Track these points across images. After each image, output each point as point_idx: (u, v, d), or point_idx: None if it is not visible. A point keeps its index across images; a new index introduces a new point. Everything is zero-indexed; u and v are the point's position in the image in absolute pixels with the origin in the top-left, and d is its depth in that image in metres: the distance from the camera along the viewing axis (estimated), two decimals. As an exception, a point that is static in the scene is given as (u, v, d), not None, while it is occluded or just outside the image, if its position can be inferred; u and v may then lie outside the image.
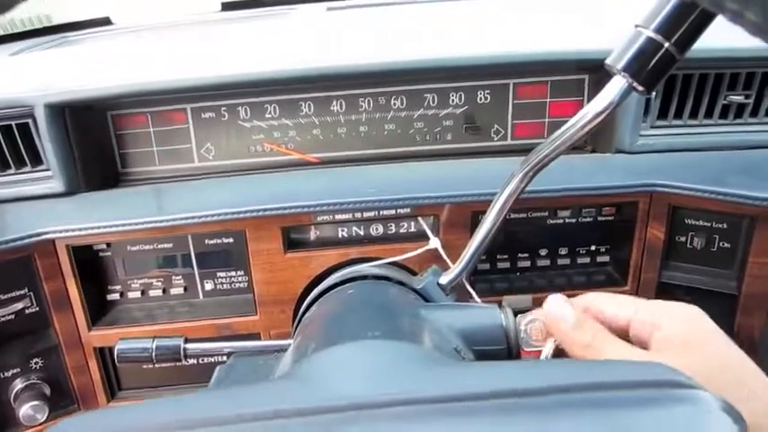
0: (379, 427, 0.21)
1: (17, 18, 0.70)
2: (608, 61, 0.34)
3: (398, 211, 0.51)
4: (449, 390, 0.23)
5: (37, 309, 0.51)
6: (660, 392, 0.22)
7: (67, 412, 0.53)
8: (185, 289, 0.55)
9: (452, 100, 0.57)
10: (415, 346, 0.31)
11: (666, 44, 0.33)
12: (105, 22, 0.76)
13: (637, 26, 0.34)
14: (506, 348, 0.37)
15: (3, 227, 0.48)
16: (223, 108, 0.56)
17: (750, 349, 0.51)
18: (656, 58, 0.33)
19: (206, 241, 0.53)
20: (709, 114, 0.54)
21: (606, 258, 0.56)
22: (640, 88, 0.34)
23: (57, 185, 0.51)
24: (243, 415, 0.23)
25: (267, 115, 0.57)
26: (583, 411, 0.21)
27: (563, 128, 0.39)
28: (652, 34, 0.33)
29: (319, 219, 0.51)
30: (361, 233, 0.53)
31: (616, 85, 0.35)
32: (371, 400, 0.22)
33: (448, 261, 0.48)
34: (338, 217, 0.51)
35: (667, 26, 0.32)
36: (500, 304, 0.39)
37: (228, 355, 0.43)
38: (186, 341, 0.42)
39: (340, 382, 0.26)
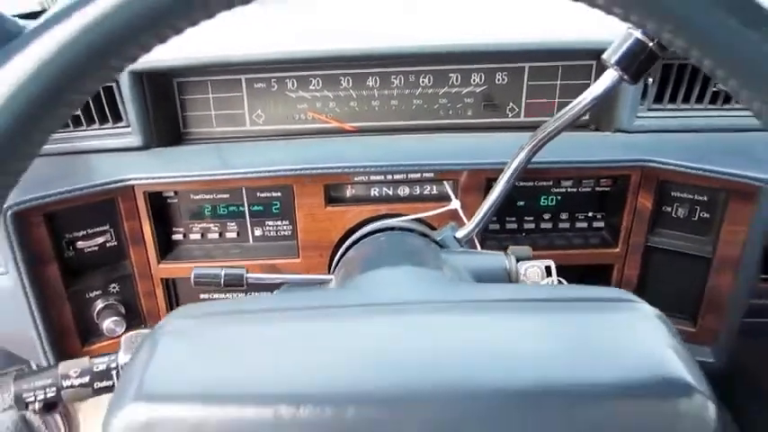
0: (416, 316, 0.30)
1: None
2: (603, 56, 0.42)
3: (423, 175, 0.59)
4: (464, 296, 0.32)
5: (116, 243, 0.61)
6: (611, 304, 0.31)
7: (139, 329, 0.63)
8: (238, 234, 0.64)
9: (473, 80, 0.64)
10: (438, 272, 0.40)
11: (650, 44, 0.41)
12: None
13: (628, 28, 0.42)
14: None
15: (91, 174, 0.58)
16: (273, 80, 0.65)
17: (718, 305, 0.59)
18: (642, 55, 0.41)
19: (257, 194, 0.62)
20: (699, 100, 0.61)
21: (601, 224, 0.64)
22: (628, 79, 0.42)
23: (135, 140, 0.60)
24: (311, 305, 0.32)
25: (311, 87, 0.65)
26: (556, 311, 0.30)
27: (564, 109, 0.47)
28: (639, 35, 0.41)
29: (356, 179, 0.59)
30: (390, 193, 0.62)
31: (609, 77, 0.43)
32: (409, 299, 0.32)
33: (465, 219, 0.57)
34: (372, 178, 0.59)
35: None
36: (506, 252, 0.48)
37: (279, 285, 0.52)
38: (247, 272, 0.51)
39: (382, 289, 0.35)
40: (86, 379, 0.41)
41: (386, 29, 0.65)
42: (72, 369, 0.41)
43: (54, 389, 0.40)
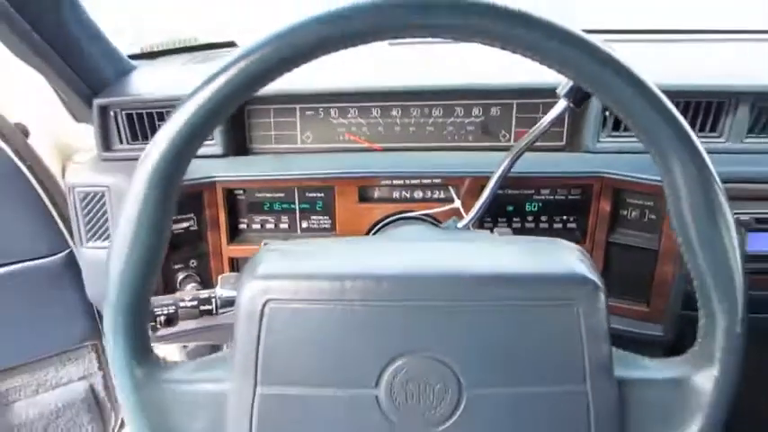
0: (421, 243, 0.48)
1: (176, 39, 1.00)
2: (557, 90, 0.61)
3: (433, 180, 0.78)
4: (452, 236, 0.50)
5: (197, 228, 0.80)
6: (546, 240, 0.48)
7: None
8: (289, 226, 0.82)
9: (474, 112, 0.83)
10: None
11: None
12: (231, 44, 1.06)
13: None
14: None
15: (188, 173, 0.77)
16: (320, 109, 0.84)
17: (664, 289, 0.76)
18: (580, 89, 0.59)
19: (306, 194, 0.81)
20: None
21: (574, 225, 0.81)
22: (573, 106, 0.60)
23: (217, 150, 0.80)
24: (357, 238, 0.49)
25: (349, 116, 0.84)
26: (510, 242, 0.48)
27: (530, 130, 0.66)
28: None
29: (382, 183, 0.78)
30: (408, 195, 0.80)
31: (560, 105, 0.62)
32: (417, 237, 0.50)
33: (464, 214, 0.75)
34: (394, 182, 0.78)
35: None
36: (491, 230, 0.66)
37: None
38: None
39: (404, 233, 0.53)
40: (195, 303, 0.58)
41: (406, 72, 0.85)
42: (185, 295, 0.59)
43: (173, 307, 0.58)
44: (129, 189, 0.40)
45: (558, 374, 0.42)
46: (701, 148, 0.40)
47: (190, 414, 0.43)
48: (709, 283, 0.42)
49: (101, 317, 1.08)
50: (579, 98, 0.60)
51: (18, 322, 1.03)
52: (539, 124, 0.65)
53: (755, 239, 0.76)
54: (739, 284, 0.42)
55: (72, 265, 0.99)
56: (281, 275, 0.43)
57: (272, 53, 0.37)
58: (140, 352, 0.43)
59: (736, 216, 0.75)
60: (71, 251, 1.00)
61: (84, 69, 0.77)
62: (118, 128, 0.80)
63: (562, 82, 0.61)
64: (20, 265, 0.98)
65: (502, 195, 0.78)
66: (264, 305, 0.42)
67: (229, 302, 0.61)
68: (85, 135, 0.89)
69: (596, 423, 0.42)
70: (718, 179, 0.40)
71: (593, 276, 0.43)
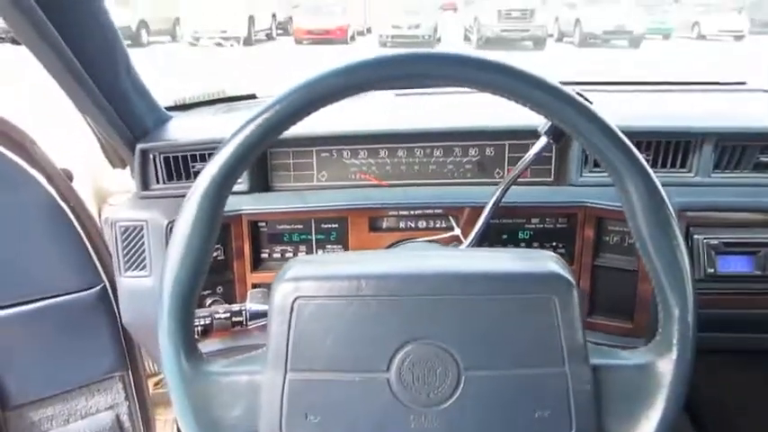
0: (422, 252, 0.57)
1: (206, 92, 1.13)
2: (538, 129, 0.71)
3: (435, 210, 0.87)
4: (448, 251, 0.59)
5: (224, 258, 0.89)
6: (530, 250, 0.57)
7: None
8: (306, 253, 0.91)
9: (470, 152, 0.94)
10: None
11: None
12: (252, 96, 1.18)
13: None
14: None
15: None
16: (334, 150, 0.95)
17: (646, 306, 0.83)
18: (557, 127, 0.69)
19: (322, 225, 0.90)
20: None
21: (563, 251, 0.90)
22: (552, 142, 0.70)
23: (244, 187, 0.90)
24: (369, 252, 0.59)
25: (360, 156, 0.95)
26: (501, 252, 0.57)
27: (518, 164, 0.76)
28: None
29: (390, 213, 0.88)
30: (413, 225, 0.89)
31: (541, 141, 0.72)
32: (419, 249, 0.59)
33: (463, 240, 0.84)
34: (401, 213, 0.88)
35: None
36: None
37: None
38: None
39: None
40: (228, 315, 0.67)
41: (410, 117, 0.96)
42: (219, 307, 0.67)
43: (209, 318, 0.67)
44: (183, 208, 0.49)
45: (541, 358, 0.50)
46: (651, 171, 0.49)
47: (229, 402, 0.51)
48: (663, 282, 0.50)
49: (129, 349, 1.16)
50: (557, 135, 0.70)
51: (53, 354, 1.11)
52: (524, 158, 0.75)
53: (725, 262, 0.85)
54: (688, 281, 0.50)
55: (104, 298, 1.08)
56: (307, 277, 0.51)
57: (295, 100, 0.47)
58: (187, 348, 0.51)
59: (706, 240, 0.85)
60: (104, 285, 1.09)
61: (130, 118, 0.88)
62: (156, 169, 0.91)
63: (542, 122, 0.71)
64: (58, 299, 1.07)
65: (497, 224, 0.87)
66: (294, 302, 0.50)
67: (258, 315, 0.70)
68: (120, 180, 0.99)
69: (575, 400, 0.49)
70: (665, 196, 0.50)
71: (567, 275, 0.51)
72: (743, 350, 1.00)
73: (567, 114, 0.48)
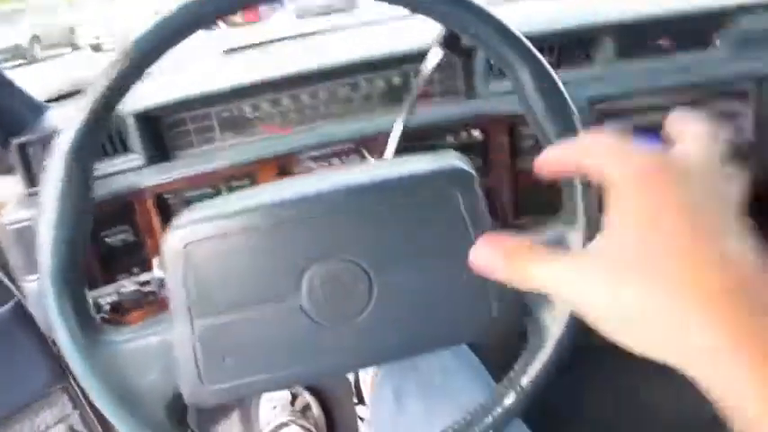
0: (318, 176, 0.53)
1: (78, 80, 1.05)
2: (432, 40, 0.68)
3: (347, 146, 0.84)
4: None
5: (135, 238, 0.84)
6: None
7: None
8: (222, 218, 0.87)
9: (377, 84, 0.90)
10: None
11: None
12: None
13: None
14: None
15: (115, 187, 0.81)
16: (233, 107, 0.90)
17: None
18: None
19: (232, 183, 0.85)
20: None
21: (481, 163, 0.89)
22: (449, 51, 0.68)
23: (140, 161, 0.84)
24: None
25: (262, 109, 0.90)
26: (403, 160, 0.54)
27: (416, 80, 0.73)
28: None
29: (300, 158, 0.84)
30: (326, 165, 0.86)
31: (435, 53, 0.69)
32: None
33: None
34: (311, 155, 0.84)
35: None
36: None
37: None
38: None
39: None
40: (136, 287, 0.63)
41: (300, 60, 0.92)
42: (126, 281, 0.63)
43: (116, 295, 0.62)
44: (47, 170, 0.44)
45: (451, 252, 0.48)
46: (540, 56, 0.47)
47: (142, 368, 0.47)
48: None
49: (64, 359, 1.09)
50: (449, 43, 0.67)
51: (-19, 382, 1.03)
52: (422, 73, 0.72)
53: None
54: None
55: (21, 311, 1.01)
56: (195, 221, 0.47)
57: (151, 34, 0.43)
58: (82, 319, 0.46)
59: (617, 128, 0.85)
60: (18, 301, 1.01)
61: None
62: (39, 163, 0.84)
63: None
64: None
65: (411, 148, 0.85)
66: (185, 248, 0.46)
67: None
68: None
69: (492, 287, 0.48)
70: (555, 75, 0.48)
71: (467, 168, 0.49)
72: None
73: (456, 14, 0.45)
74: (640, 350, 0.29)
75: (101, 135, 0.46)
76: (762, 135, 0.88)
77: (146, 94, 0.86)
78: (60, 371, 1.10)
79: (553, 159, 0.39)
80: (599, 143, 0.33)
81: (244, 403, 1.31)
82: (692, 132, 0.35)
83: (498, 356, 0.54)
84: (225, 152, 0.87)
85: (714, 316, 0.26)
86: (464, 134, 0.87)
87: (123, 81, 0.44)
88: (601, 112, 0.86)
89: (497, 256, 0.36)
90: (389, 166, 0.52)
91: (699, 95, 0.87)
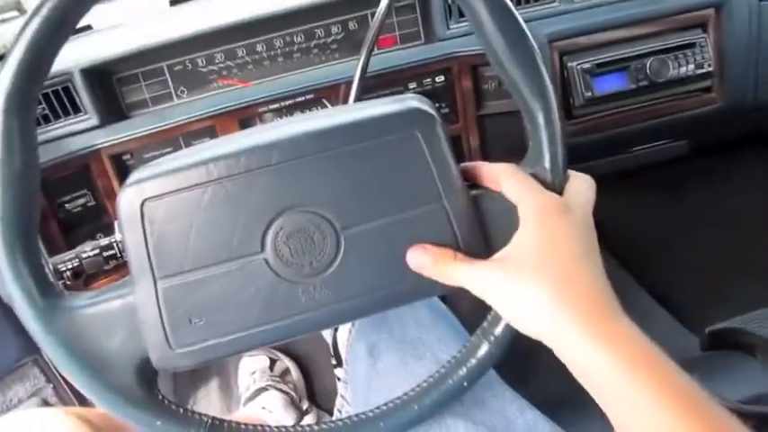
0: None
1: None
2: None
3: (307, 96, 0.82)
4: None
5: (95, 202, 0.81)
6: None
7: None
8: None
9: (333, 30, 0.88)
10: None
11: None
12: (88, 27, 1.05)
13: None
14: None
15: (67, 149, 0.78)
16: (187, 61, 0.86)
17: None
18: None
19: (192, 141, 0.83)
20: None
21: (446, 109, 0.88)
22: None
23: (93, 122, 0.81)
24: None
25: (216, 61, 0.87)
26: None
27: (370, 28, 0.71)
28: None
29: (260, 110, 0.82)
30: (288, 116, 0.84)
31: None
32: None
33: None
34: (271, 107, 0.82)
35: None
36: None
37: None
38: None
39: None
40: (97, 251, 0.61)
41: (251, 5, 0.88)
42: (86, 246, 0.61)
43: (77, 260, 0.60)
44: None
45: (418, 198, 0.47)
46: None
47: (105, 332, 0.45)
48: (523, 92, 0.48)
49: None
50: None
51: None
52: (375, 20, 0.70)
53: (601, 83, 0.86)
54: (548, 88, 0.48)
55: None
56: (150, 177, 0.45)
57: None
58: (39, 283, 0.44)
59: (579, 65, 0.85)
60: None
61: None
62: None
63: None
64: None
65: (374, 98, 0.83)
66: (142, 206, 0.44)
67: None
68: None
69: (459, 230, 0.48)
70: (514, 10, 0.46)
71: (428, 109, 0.48)
72: (622, 172, 1.05)
73: None
74: (524, 328, 0.43)
75: (35, 87, 0.42)
76: (722, 64, 0.89)
77: (91, 49, 0.82)
78: (30, 343, 1.08)
79: (478, 174, 0.49)
80: (516, 179, 0.46)
81: (222, 370, 1.30)
82: (575, 184, 0.47)
83: (472, 308, 0.54)
84: (182, 107, 0.84)
85: (575, 307, 0.40)
86: (427, 80, 0.86)
87: (51, 26, 0.41)
88: (561, 50, 0.85)
89: (428, 260, 0.45)
90: (349, 111, 0.50)
91: (659, 27, 0.87)
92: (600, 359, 0.38)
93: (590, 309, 0.40)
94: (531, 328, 0.42)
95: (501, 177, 0.46)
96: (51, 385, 1.13)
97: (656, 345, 0.39)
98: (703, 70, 0.86)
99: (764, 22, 0.90)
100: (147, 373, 0.46)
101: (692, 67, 0.86)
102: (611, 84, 0.86)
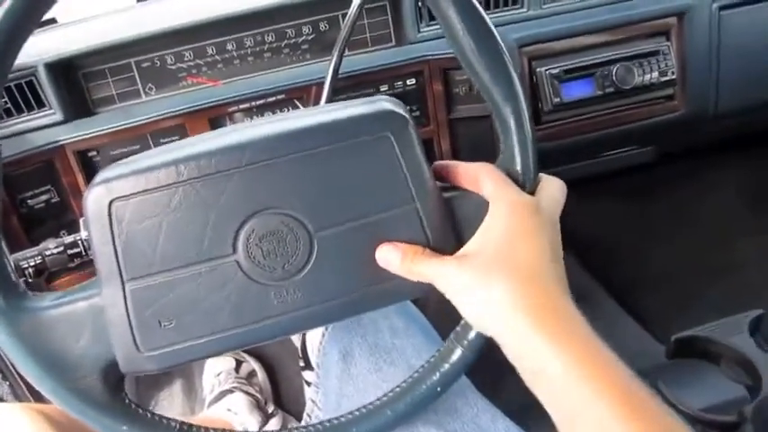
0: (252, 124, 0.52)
1: None
2: None
3: (278, 97, 0.82)
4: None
5: (59, 199, 0.79)
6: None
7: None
8: (152, 175, 0.83)
9: (304, 31, 0.87)
10: None
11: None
12: (52, 21, 1.02)
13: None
14: None
15: (30, 144, 0.76)
16: (155, 58, 0.85)
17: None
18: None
19: (161, 140, 0.82)
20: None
21: (418, 112, 0.89)
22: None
23: (58, 117, 0.79)
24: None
25: (185, 59, 0.86)
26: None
27: (341, 30, 0.71)
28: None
29: (230, 110, 0.81)
30: (259, 116, 0.84)
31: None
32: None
33: None
34: (241, 107, 0.81)
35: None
36: None
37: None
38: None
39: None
40: (61, 248, 0.60)
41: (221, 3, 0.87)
42: (50, 243, 0.60)
43: (40, 257, 0.59)
44: None
45: (390, 200, 0.47)
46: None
47: (70, 334, 0.44)
48: (494, 96, 0.48)
49: None
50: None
51: None
52: (346, 21, 0.71)
53: (568, 89, 0.88)
54: (519, 91, 0.49)
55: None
56: (118, 176, 0.44)
57: None
58: (0, 282, 0.43)
59: (548, 71, 0.86)
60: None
61: None
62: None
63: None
64: None
65: (346, 99, 0.83)
66: (110, 206, 0.44)
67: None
68: None
69: (431, 231, 0.48)
70: (484, 14, 0.47)
71: (400, 110, 0.48)
72: (589, 178, 1.07)
73: None
74: (482, 327, 0.45)
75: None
76: (684, 72, 0.92)
77: (56, 43, 0.81)
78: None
79: (454, 173, 0.50)
80: (493, 177, 0.46)
81: (186, 371, 1.28)
82: (546, 187, 0.48)
83: (445, 314, 0.55)
84: (151, 104, 0.83)
85: (532, 310, 0.41)
86: (399, 83, 0.86)
87: (14, 18, 0.40)
88: (530, 56, 0.87)
89: (395, 256, 0.46)
90: (321, 112, 0.50)
91: (625, 35, 0.89)
92: (552, 363, 0.38)
93: (546, 313, 0.40)
94: (490, 328, 0.43)
95: (479, 175, 0.46)
96: (7, 383, 1.10)
97: (613, 350, 0.39)
98: (666, 78, 0.89)
99: (724, 32, 0.93)
100: (113, 377, 0.45)
101: (656, 74, 0.88)
102: (578, 90, 0.88)
